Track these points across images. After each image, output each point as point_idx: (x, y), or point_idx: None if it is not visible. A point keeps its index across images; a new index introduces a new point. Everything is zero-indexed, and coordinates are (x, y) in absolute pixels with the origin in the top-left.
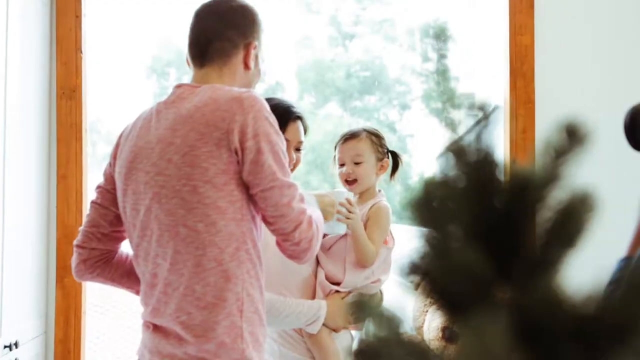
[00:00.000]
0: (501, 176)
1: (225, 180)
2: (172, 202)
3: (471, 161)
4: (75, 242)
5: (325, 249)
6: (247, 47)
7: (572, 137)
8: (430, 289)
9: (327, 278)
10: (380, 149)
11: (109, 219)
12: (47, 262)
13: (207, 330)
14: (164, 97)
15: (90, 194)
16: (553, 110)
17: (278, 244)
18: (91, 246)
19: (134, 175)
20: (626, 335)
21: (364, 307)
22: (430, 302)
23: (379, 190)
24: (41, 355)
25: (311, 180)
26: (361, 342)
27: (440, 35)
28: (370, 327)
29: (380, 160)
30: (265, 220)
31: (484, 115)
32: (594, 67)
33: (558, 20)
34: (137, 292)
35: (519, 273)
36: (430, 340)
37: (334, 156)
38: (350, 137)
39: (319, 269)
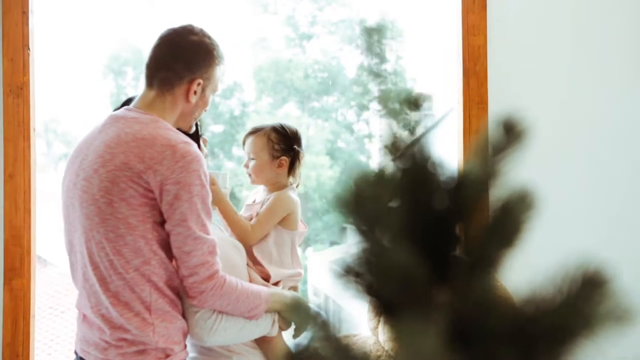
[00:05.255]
0: (438, 175)
1: (141, 202)
2: (90, 208)
3: (407, 159)
4: None
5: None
6: (190, 82)
7: (510, 133)
8: (364, 291)
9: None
10: (277, 147)
11: None
12: None
13: (122, 323)
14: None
15: (39, 194)
16: (506, 110)
17: None
18: None
19: (67, 174)
20: (563, 337)
21: (300, 311)
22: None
23: (294, 185)
24: None
25: None
26: (298, 346)
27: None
28: (308, 332)
29: (277, 158)
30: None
31: (421, 113)
32: (546, 68)
33: (510, 20)
34: None
35: (455, 274)
36: (385, 342)
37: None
38: (250, 132)
39: (253, 274)
